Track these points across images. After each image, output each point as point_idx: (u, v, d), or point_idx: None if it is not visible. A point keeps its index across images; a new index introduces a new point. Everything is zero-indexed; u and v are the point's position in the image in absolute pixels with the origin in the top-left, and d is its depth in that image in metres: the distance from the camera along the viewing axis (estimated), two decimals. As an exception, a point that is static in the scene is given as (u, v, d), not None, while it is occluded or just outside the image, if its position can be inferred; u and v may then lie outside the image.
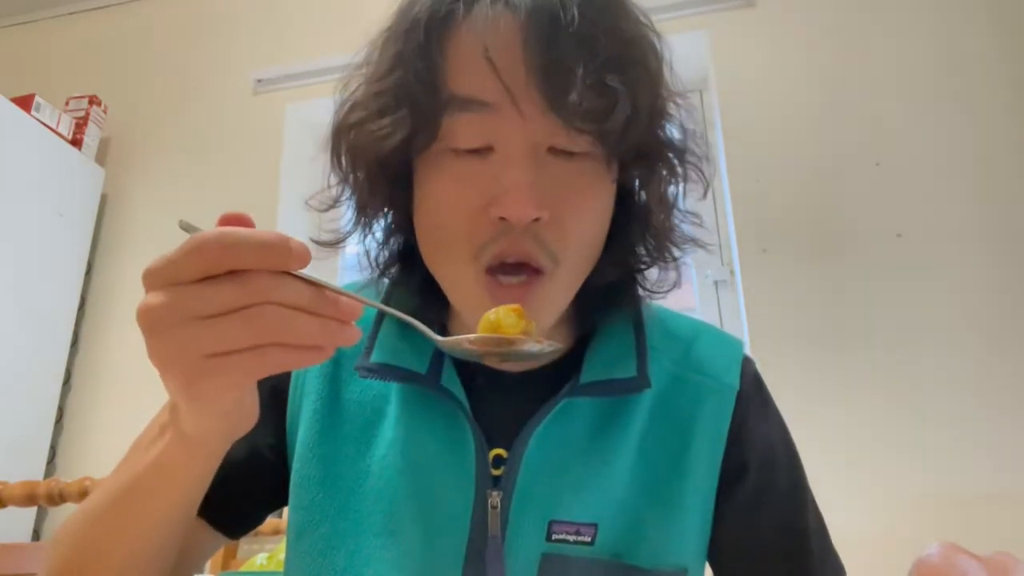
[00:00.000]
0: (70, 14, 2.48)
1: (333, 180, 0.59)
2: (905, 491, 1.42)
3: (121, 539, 0.49)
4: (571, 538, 0.52)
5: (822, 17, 1.81)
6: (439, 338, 0.43)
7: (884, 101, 1.70)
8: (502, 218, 0.47)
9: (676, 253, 0.58)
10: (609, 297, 0.58)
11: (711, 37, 1.87)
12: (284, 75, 2.14)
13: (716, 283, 1.81)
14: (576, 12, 0.46)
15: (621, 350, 0.57)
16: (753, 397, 0.61)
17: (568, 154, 0.49)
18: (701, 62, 1.94)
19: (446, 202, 0.50)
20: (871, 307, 1.57)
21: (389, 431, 0.56)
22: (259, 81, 2.17)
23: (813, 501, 0.61)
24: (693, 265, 1.85)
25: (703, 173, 0.57)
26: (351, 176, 0.56)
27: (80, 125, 2.11)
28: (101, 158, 2.18)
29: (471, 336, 0.43)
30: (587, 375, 0.55)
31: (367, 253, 0.60)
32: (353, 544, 0.54)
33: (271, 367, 0.36)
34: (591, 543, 0.53)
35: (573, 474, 0.54)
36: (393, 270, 0.59)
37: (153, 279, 0.35)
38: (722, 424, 0.57)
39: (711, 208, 1.89)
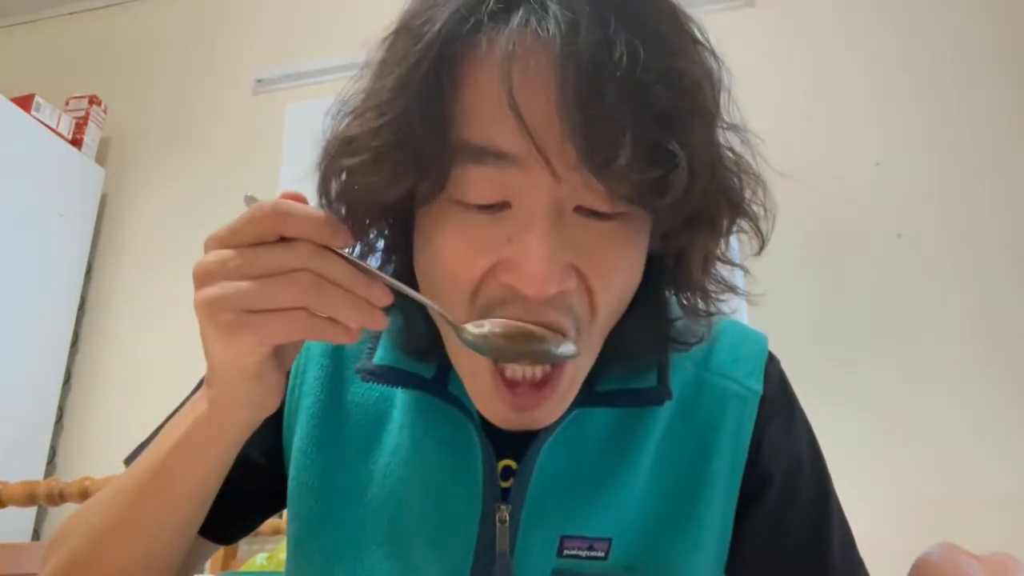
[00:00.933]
0: (70, 14, 2.48)
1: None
2: (905, 491, 1.42)
3: (140, 522, 0.48)
4: (583, 553, 0.49)
5: (822, 17, 1.81)
6: (465, 331, 0.41)
7: (884, 101, 1.70)
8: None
9: (712, 308, 0.51)
10: (633, 347, 0.50)
11: (711, 37, 1.87)
12: (284, 75, 2.14)
13: (716, 283, 1.81)
14: (625, 49, 0.37)
15: (641, 360, 0.52)
16: (777, 401, 0.56)
17: (599, 215, 0.41)
18: (701, 62, 1.94)
19: (450, 263, 0.42)
20: (871, 307, 1.57)
21: (392, 438, 0.53)
22: (259, 81, 2.17)
23: (839, 510, 0.58)
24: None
25: (759, 229, 0.50)
26: (345, 218, 0.46)
27: (80, 125, 2.11)
28: (101, 158, 2.18)
29: (497, 327, 0.40)
30: (603, 384, 0.51)
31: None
32: (354, 556, 0.51)
33: (299, 331, 0.38)
34: (604, 558, 0.49)
35: (586, 486, 0.51)
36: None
37: (213, 242, 0.39)
38: (744, 432, 0.53)
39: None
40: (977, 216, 1.58)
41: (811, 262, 1.63)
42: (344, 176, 0.45)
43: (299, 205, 0.38)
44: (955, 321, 1.52)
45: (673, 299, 0.51)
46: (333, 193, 0.46)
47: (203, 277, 0.39)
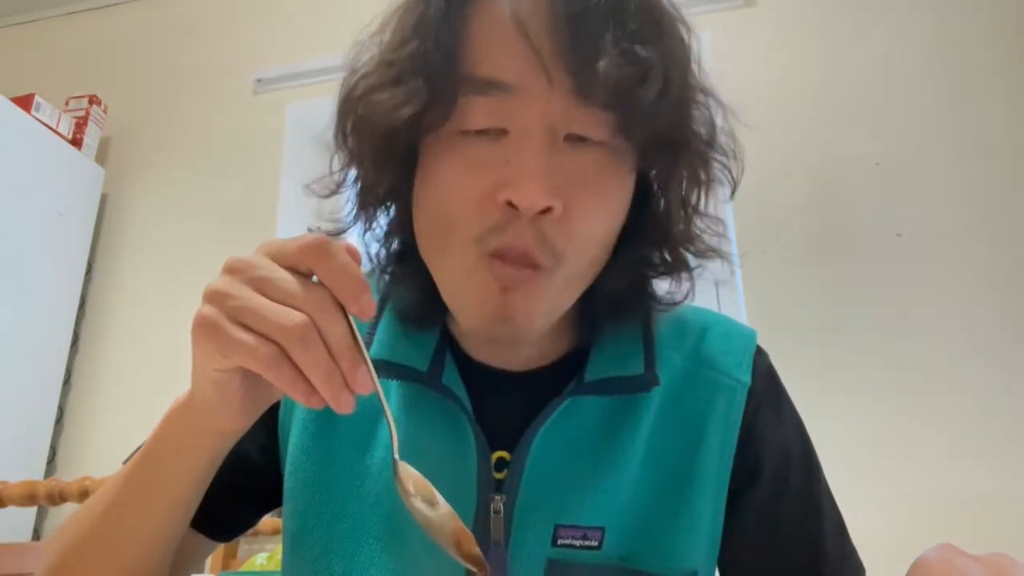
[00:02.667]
0: (70, 14, 2.48)
1: (336, 165, 0.56)
2: (905, 491, 1.42)
3: (124, 519, 0.48)
4: (577, 543, 0.50)
5: (822, 17, 1.81)
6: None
7: (884, 101, 1.70)
8: (510, 204, 0.44)
9: (693, 263, 0.54)
10: (617, 306, 0.54)
11: (711, 37, 1.87)
12: (284, 75, 2.14)
13: (716, 283, 1.81)
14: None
15: (629, 345, 0.54)
16: (766, 393, 0.58)
17: (586, 143, 0.46)
18: (700, 62, 1.94)
19: (452, 185, 0.46)
20: (871, 307, 1.57)
21: (387, 432, 0.54)
22: (259, 81, 2.17)
23: (831, 500, 0.59)
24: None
25: (731, 172, 0.55)
26: (356, 153, 0.52)
27: (80, 125, 2.11)
28: (101, 158, 2.18)
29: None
30: (592, 373, 0.53)
31: (367, 249, 0.58)
32: (352, 549, 0.52)
33: (262, 365, 0.36)
34: (598, 547, 0.50)
35: (579, 476, 0.52)
36: (392, 268, 0.57)
37: (263, 248, 0.39)
38: (733, 423, 0.55)
39: (711, 208, 1.89)
40: (977, 216, 1.58)
41: (811, 262, 1.63)
42: (361, 105, 0.49)
43: (346, 256, 0.37)
44: (955, 321, 1.52)
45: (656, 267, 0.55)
46: (348, 128, 0.51)
47: (227, 270, 0.38)
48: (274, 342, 0.36)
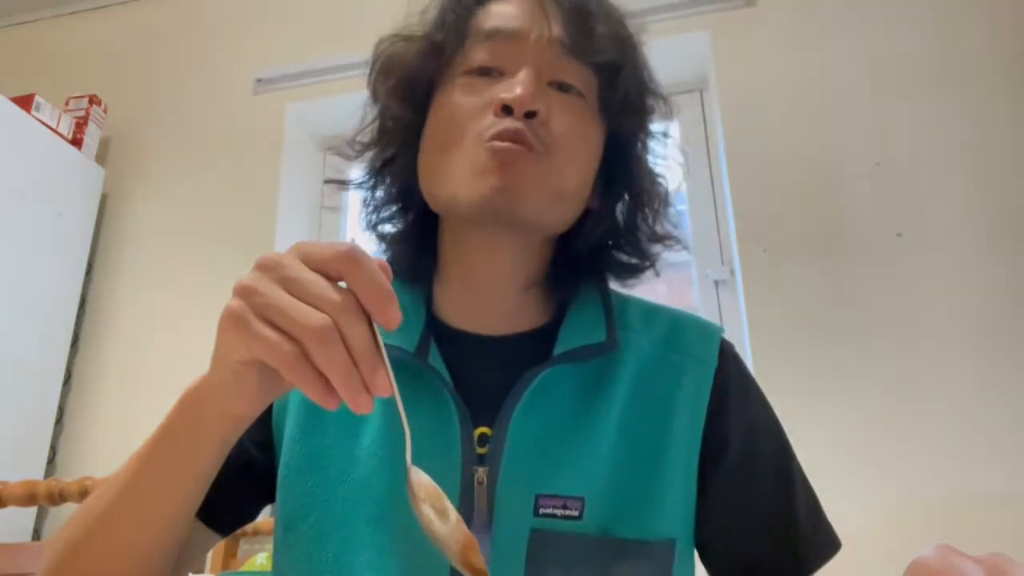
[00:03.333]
0: (70, 14, 2.48)
1: (368, 118, 0.66)
2: (905, 491, 1.42)
3: (130, 507, 0.50)
4: (559, 512, 0.53)
5: (822, 17, 1.81)
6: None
7: (884, 101, 1.70)
8: (505, 106, 0.54)
9: (653, 243, 0.64)
10: (583, 273, 0.63)
11: (711, 37, 1.87)
12: (284, 75, 2.14)
13: (716, 283, 1.81)
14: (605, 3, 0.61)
15: (592, 319, 0.60)
16: (732, 374, 0.62)
17: (568, 92, 0.58)
18: (701, 62, 1.94)
19: (458, 103, 0.57)
20: (871, 307, 1.57)
21: (375, 416, 0.57)
22: (259, 81, 2.17)
23: (803, 477, 0.62)
24: (694, 265, 1.86)
25: (684, 167, 0.67)
26: (382, 91, 0.63)
27: (80, 125, 2.11)
28: (101, 158, 2.18)
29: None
30: (560, 346, 0.58)
31: (366, 204, 0.66)
32: (344, 531, 0.54)
33: (281, 361, 0.37)
34: (579, 518, 0.53)
35: (557, 449, 0.55)
36: (389, 232, 0.65)
37: (296, 249, 0.40)
38: (701, 399, 0.59)
39: (711, 208, 1.89)
40: (977, 216, 1.58)
41: (811, 262, 1.63)
42: (391, 49, 0.63)
43: (376, 266, 0.38)
44: (955, 321, 1.52)
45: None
46: (378, 69, 0.63)
47: (259, 267, 0.39)
48: (296, 340, 0.37)
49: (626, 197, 0.63)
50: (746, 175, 1.74)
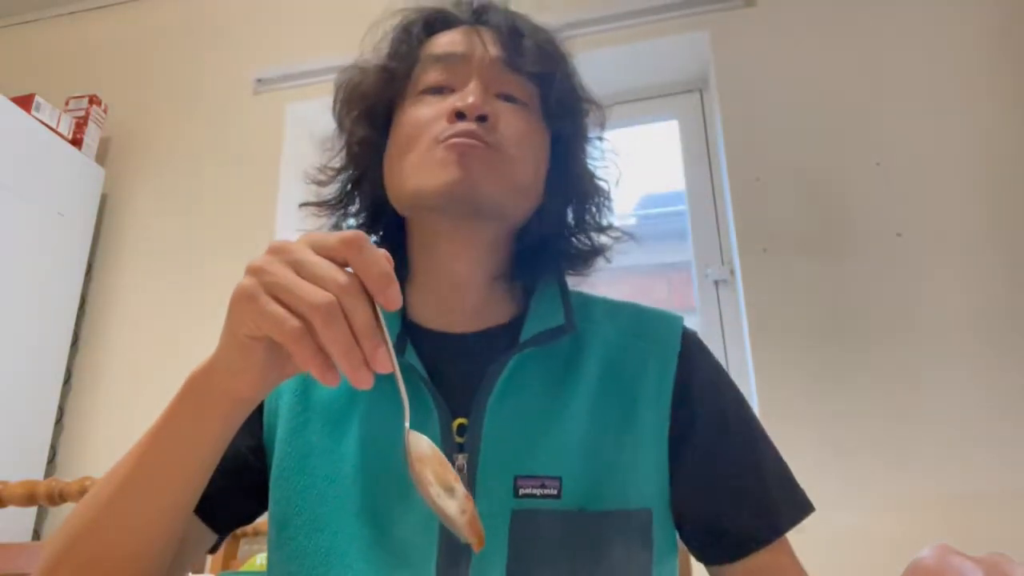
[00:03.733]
0: (70, 14, 2.49)
1: (335, 149, 0.71)
2: (905, 490, 1.42)
3: (130, 500, 0.51)
4: (538, 492, 0.56)
5: (822, 17, 1.81)
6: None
7: (884, 101, 1.70)
8: (459, 113, 0.60)
9: (599, 234, 0.71)
10: (542, 262, 0.68)
11: (711, 37, 1.87)
12: (284, 75, 2.14)
13: (716, 283, 1.81)
14: (534, 24, 0.70)
15: (551, 306, 0.65)
16: (695, 355, 0.66)
17: (512, 102, 0.64)
18: (701, 62, 1.94)
19: (416, 115, 0.64)
20: (871, 307, 1.57)
21: (359, 417, 0.62)
22: (259, 81, 2.17)
23: (770, 445, 0.65)
24: (694, 265, 1.86)
25: (615, 172, 0.73)
26: (346, 117, 0.70)
27: (80, 125, 2.11)
28: (101, 158, 2.18)
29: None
30: (525, 333, 0.63)
31: (337, 227, 0.72)
32: (336, 525, 0.58)
33: (288, 337, 0.40)
34: (558, 496, 0.56)
35: (532, 432, 0.59)
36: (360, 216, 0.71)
37: (306, 237, 0.43)
38: (667, 378, 0.63)
39: (711, 208, 1.89)
40: (977, 216, 1.58)
41: (811, 262, 1.63)
42: (352, 75, 0.70)
43: (379, 252, 0.41)
44: (955, 321, 1.52)
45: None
46: (342, 98, 0.70)
47: (270, 251, 0.43)
48: (302, 318, 0.39)
49: (571, 194, 0.70)
50: (746, 175, 1.74)
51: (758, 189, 1.72)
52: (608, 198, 0.72)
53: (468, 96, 0.61)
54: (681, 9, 1.89)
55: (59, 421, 1.94)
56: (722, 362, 1.71)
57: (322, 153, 0.72)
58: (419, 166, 0.61)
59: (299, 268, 0.41)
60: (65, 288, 1.99)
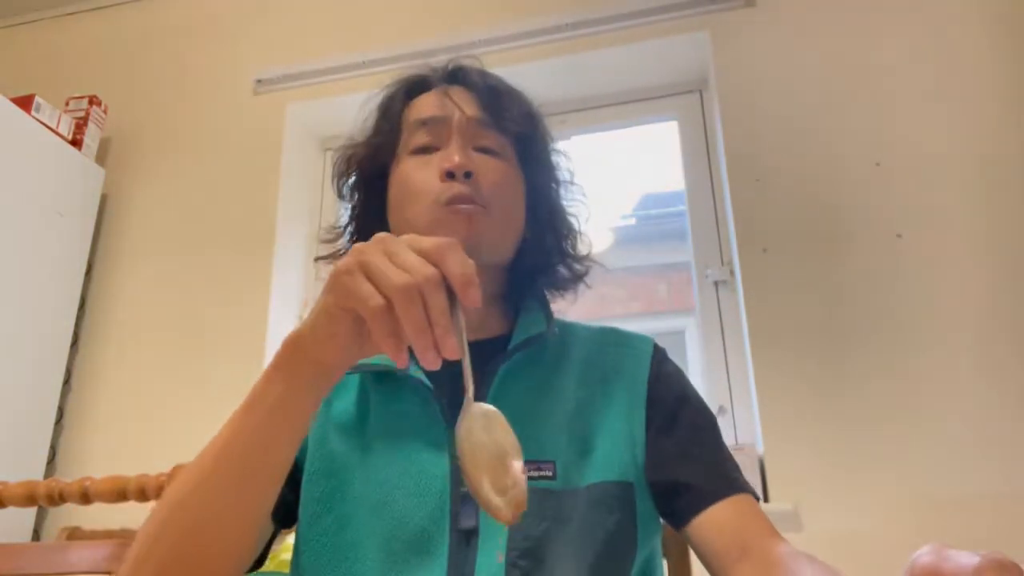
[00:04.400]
0: (70, 14, 2.49)
1: (343, 215, 0.83)
2: (905, 491, 1.42)
3: (242, 490, 0.56)
4: (536, 474, 0.65)
5: (822, 17, 1.81)
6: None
7: (884, 101, 1.71)
8: (449, 173, 0.70)
9: (575, 263, 0.82)
10: (529, 285, 0.80)
11: (711, 37, 1.87)
12: (284, 75, 2.14)
13: (716, 283, 1.81)
14: (504, 83, 0.81)
15: (535, 319, 0.76)
16: (664, 361, 0.77)
17: (489, 153, 0.74)
18: (701, 62, 1.94)
19: (411, 175, 0.73)
20: (871, 307, 1.57)
21: (371, 426, 0.71)
22: (259, 81, 2.17)
23: (721, 437, 0.75)
24: (694, 265, 1.86)
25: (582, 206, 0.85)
26: (348, 180, 0.82)
27: (80, 125, 2.11)
28: (101, 158, 2.18)
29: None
30: (514, 341, 0.73)
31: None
32: (358, 522, 0.66)
33: (371, 313, 0.45)
34: (553, 478, 0.66)
35: (526, 424, 0.64)
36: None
37: (405, 237, 0.49)
38: (642, 372, 0.74)
39: (711, 208, 1.89)
40: (977, 216, 1.58)
41: (811, 262, 1.63)
42: (350, 156, 0.82)
43: (466, 258, 0.47)
44: (955, 321, 1.52)
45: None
46: (338, 171, 0.82)
47: (374, 239, 0.49)
48: (387, 299, 0.45)
49: (546, 227, 0.80)
50: (746, 175, 1.74)
51: (758, 189, 1.72)
52: (577, 232, 0.83)
53: (453, 155, 0.71)
54: (681, 9, 1.89)
55: (59, 421, 1.94)
56: (722, 362, 1.73)
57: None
58: (427, 228, 0.69)
59: (393, 257, 0.46)
60: (65, 288, 1.99)
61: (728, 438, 1.63)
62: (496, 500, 0.45)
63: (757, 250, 1.67)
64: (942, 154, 1.63)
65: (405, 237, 0.49)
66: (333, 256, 0.81)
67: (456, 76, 0.80)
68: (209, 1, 2.36)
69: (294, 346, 0.54)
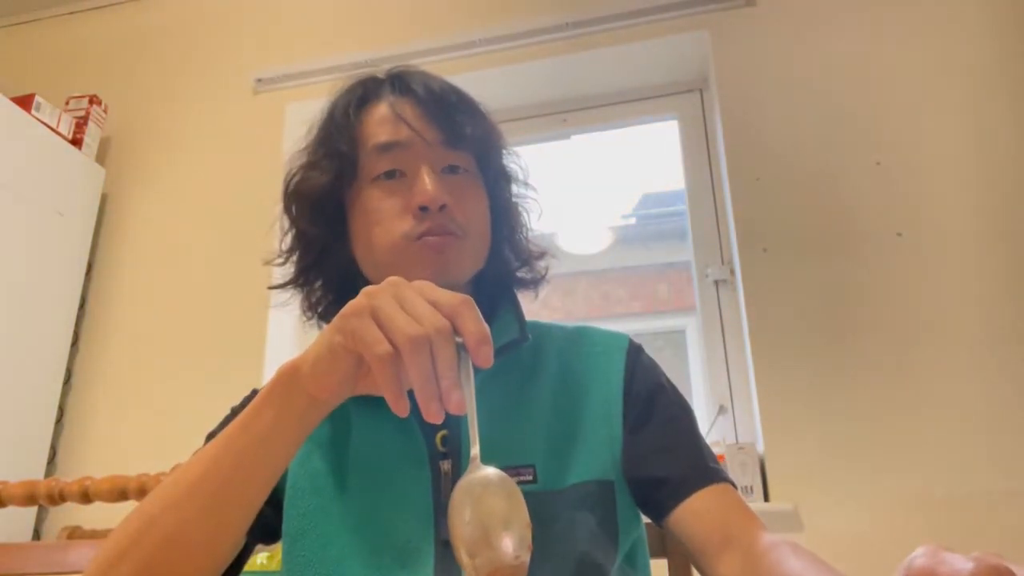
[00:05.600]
0: (70, 14, 2.49)
1: (287, 242, 0.79)
2: (905, 491, 1.42)
3: (220, 509, 0.56)
4: (516, 479, 0.63)
5: (822, 17, 1.81)
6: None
7: (884, 101, 1.70)
8: (423, 208, 0.68)
9: (536, 260, 0.83)
10: (499, 288, 0.79)
11: (711, 37, 1.87)
12: (284, 75, 2.15)
13: (716, 283, 1.81)
14: (450, 90, 0.76)
15: (509, 326, 0.75)
16: (639, 359, 0.77)
17: (456, 172, 0.73)
18: (701, 62, 1.94)
19: (379, 208, 0.70)
20: (871, 307, 1.57)
21: (354, 444, 0.71)
22: (259, 81, 2.17)
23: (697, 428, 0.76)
24: (694, 265, 1.86)
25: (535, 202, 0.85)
26: (295, 218, 0.77)
27: (80, 125, 2.11)
28: (101, 158, 2.18)
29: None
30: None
31: (305, 297, 0.79)
32: (342, 540, 0.65)
33: (378, 361, 0.45)
34: (534, 481, 0.66)
35: (505, 430, 0.68)
36: (332, 299, 0.78)
37: (418, 283, 0.49)
38: (617, 370, 0.74)
39: (711, 208, 1.89)
40: (977, 216, 1.58)
41: (811, 262, 1.63)
42: (295, 185, 0.77)
43: (480, 316, 0.46)
44: (955, 321, 1.52)
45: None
46: (288, 204, 0.77)
47: (387, 282, 0.49)
48: (394, 346, 0.44)
49: (506, 229, 0.80)
50: (746, 175, 1.74)
51: (758, 189, 1.72)
52: (529, 228, 0.84)
53: (426, 188, 0.69)
54: (681, 9, 1.89)
55: (59, 421, 1.95)
56: (722, 362, 1.73)
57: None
58: (397, 265, 0.68)
59: (404, 303, 0.46)
60: (65, 288, 1.99)
61: (729, 438, 1.63)
62: (467, 562, 0.43)
63: (757, 250, 1.67)
64: (942, 154, 1.63)
65: (418, 284, 0.48)
66: (286, 286, 0.79)
67: (399, 86, 0.76)
68: (209, 1, 2.36)
69: (290, 377, 0.53)
